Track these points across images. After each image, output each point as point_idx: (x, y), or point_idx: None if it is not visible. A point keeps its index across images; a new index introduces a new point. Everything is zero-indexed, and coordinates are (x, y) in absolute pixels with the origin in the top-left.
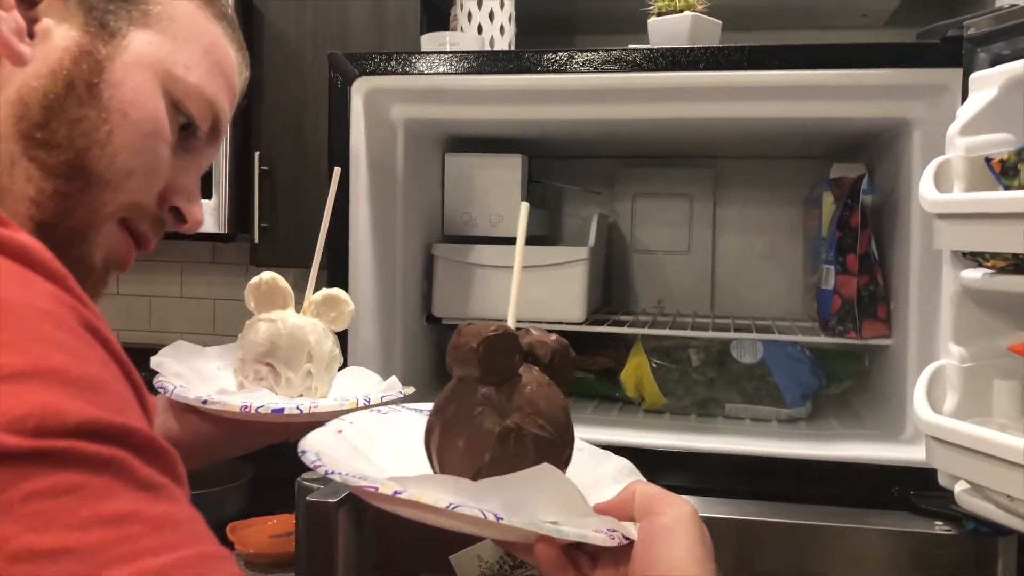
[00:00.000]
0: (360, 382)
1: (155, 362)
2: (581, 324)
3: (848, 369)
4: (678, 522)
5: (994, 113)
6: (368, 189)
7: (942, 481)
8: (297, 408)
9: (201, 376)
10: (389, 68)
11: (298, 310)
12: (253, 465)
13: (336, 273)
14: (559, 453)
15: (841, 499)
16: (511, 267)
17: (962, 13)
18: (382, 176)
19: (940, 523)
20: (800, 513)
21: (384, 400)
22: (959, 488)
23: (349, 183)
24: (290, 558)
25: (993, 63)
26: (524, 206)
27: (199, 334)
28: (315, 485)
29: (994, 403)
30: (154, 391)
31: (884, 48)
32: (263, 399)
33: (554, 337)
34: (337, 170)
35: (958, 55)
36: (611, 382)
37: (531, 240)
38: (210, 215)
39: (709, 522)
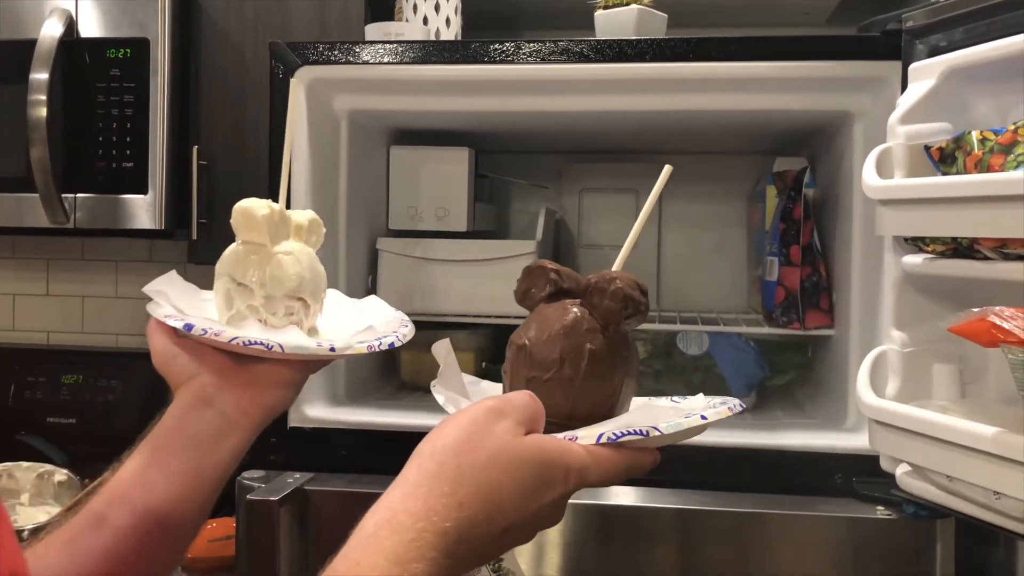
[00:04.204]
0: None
1: (166, 316)
2: None
3: (792, 360)
4: (461, 413)
5: (932, 102)
6: (310, 181)
7: (884, 465)
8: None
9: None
10: (332, 58)
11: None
12: None
13: None
14: (526, 359)
15: (785, 487)
16: (458, 261)
17: (901, 9)
18: (324, 168)
19: (881, 508)
20: (745, 501)
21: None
22: (900, 471)
23: (291, 176)
24: (230, 561)
25: (931, 54)
26: (667, 168)
27: (135, 335)
28: (256, 484)
29: (934, 386)
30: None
31: (826, 41)
32: (293, 336)
33: (608, 278)
34: (295, 80)
35: (897, 48)
36: None
37: (478, 235)
38: (146, 211)
39: (655, 513)
